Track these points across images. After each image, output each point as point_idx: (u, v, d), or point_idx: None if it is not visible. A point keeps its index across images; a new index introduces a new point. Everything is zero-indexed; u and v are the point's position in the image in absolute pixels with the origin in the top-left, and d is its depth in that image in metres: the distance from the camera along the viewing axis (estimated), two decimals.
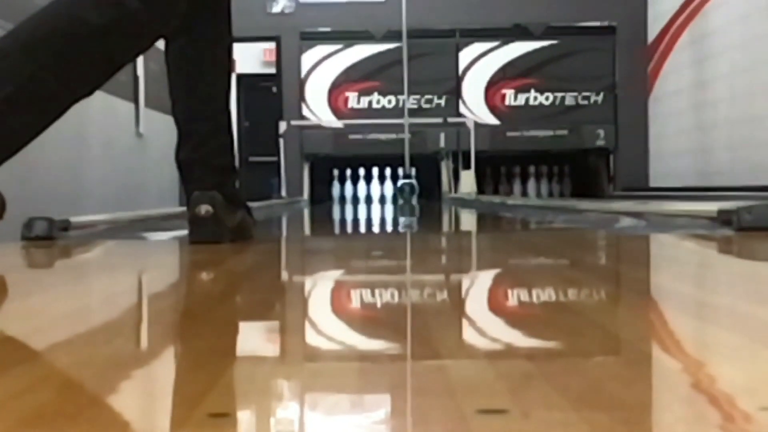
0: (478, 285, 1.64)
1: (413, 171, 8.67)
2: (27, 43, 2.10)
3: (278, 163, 8.87)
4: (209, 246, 2.29)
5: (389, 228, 4.42)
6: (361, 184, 9.20)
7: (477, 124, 8.61)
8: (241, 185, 2.65)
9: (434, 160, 8.78)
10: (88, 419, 0.65)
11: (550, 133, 8.80)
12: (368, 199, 9.08)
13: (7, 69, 2.08)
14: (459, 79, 8.84)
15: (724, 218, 2.43)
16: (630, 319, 1.11)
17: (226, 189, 2.42)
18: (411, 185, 8.32)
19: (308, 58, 8.91)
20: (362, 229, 4.37)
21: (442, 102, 8.82)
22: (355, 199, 9.12)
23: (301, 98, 8.93)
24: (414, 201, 8.30)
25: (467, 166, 8.41)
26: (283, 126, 8.75)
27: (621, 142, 8.78)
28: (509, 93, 8.88)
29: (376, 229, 4.33)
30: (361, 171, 9.16)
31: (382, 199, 9.03)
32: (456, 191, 8.33)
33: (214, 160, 2.45)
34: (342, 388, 0.75)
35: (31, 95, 2.08)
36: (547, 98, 8.85)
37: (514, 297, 1.38)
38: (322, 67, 8.92)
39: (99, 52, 2.15)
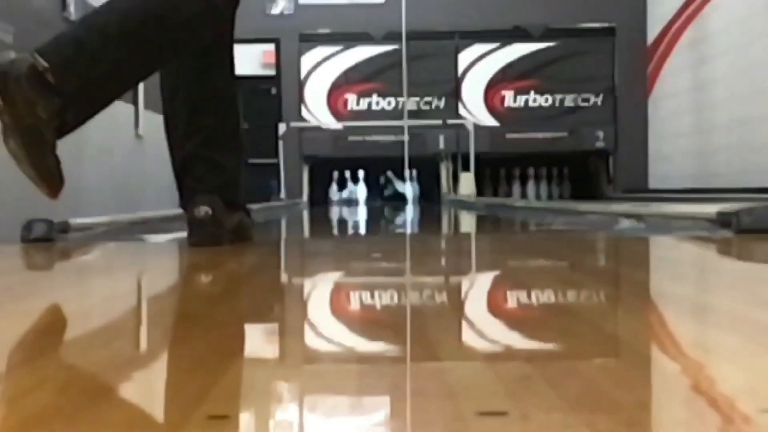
0: (477, 287, 1.64)
1: (413, 172, 8.72)
2: (124, 26, 2.16)
3: (278, 165, 8.88)
4: (208, 248, 2.28)
5: (388, 230, 4.42)
6: (361, 186, 9.20)
7: (476, 126, 8.61)
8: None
9: (434, 162, 8.79)
10: (88, 421, 0.65)
11: (550, 134, 8.80)
12: (368, 201, 9.09)
13: (103, 50, 2.13)
14: (458, 81, 8.85)
15: (723, 220, 2.43)
16: (629, 321, 1.11)
17: (227, 190, 2.41)
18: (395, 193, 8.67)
19: (307, 60, 8.92)
20: (361, 231, 4.37)
21: (442, 104, 8.83)
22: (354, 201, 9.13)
23: (301, 100, 8.93)
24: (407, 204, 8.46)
25: (466, 168, 8.41)
26: (282, 128, 8.75)
27: (620, 143, 8.78)
28: (509, 95, 8.88)
29: (375, 230, 4.33)
30: (361, 173, 9.16)
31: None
32: (455, 193, 8.33)
33: (219, 158, 2.43)
34: (341, 390, 0.75)
35: (122, 73, 2.19)
36: (546, 100, 8.86)
37: (513, 299, 1.38)
38: (322, 69, 8.92)
39: (179, 39, 2.27)
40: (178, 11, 2.22)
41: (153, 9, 2.20)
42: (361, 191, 9.18)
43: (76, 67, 2.09)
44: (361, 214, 6.80)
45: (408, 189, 9.04)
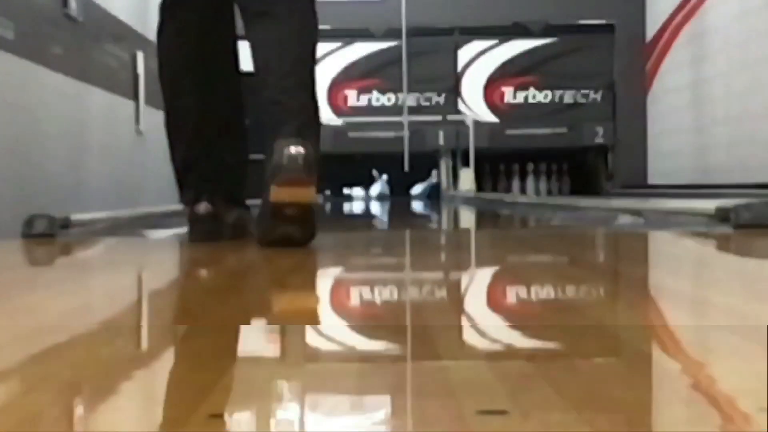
0: (477, 284, 1.64)
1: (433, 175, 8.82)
2: (311, 65, 2.50)
3: None
4: (208, 244, 2.29)
5: (390, 224, 4.42)
6: (377, 184, 9.19)
7: (476, 122, 8.60)
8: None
9: (433, 157, 8.78)
10: (88, 420, 0.66)
11: (549, 130, 8.79)
12: (378, 197, 9.08)
13: (312, 96, 2.45)
14: (458, 77, 8.83)
15: (722, 216, 2.43)
16: (629, 318, 1.11)
17: (230, 188, 2.42)
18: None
19: None
20: (363, 226, 4.37)
21: (441, 100, 8.81)
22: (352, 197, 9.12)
23: None
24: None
25: (466, 164, 8.41)
26: None
27: (619, 139, 8.78)
28: (508, 91, 8.87)
29: (375, 225, 4.33)
30: (384, 176, 9.15)
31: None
32: (455, 189, 8.33)
33: (224, 156, 2.45)
34: (342, 389, 0.75)
35: None
36: (546, 96, 8.85)
37: (513, 296, 1.38)
38: (322, 65, 8.90)
39: None
40: (316, 29, 2.57)
41: (309, 41, 2.51)
42: (375, 188, 9.16)
43: (314, 126, 2.37)
44: (371, 210, 6.80)
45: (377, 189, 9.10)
